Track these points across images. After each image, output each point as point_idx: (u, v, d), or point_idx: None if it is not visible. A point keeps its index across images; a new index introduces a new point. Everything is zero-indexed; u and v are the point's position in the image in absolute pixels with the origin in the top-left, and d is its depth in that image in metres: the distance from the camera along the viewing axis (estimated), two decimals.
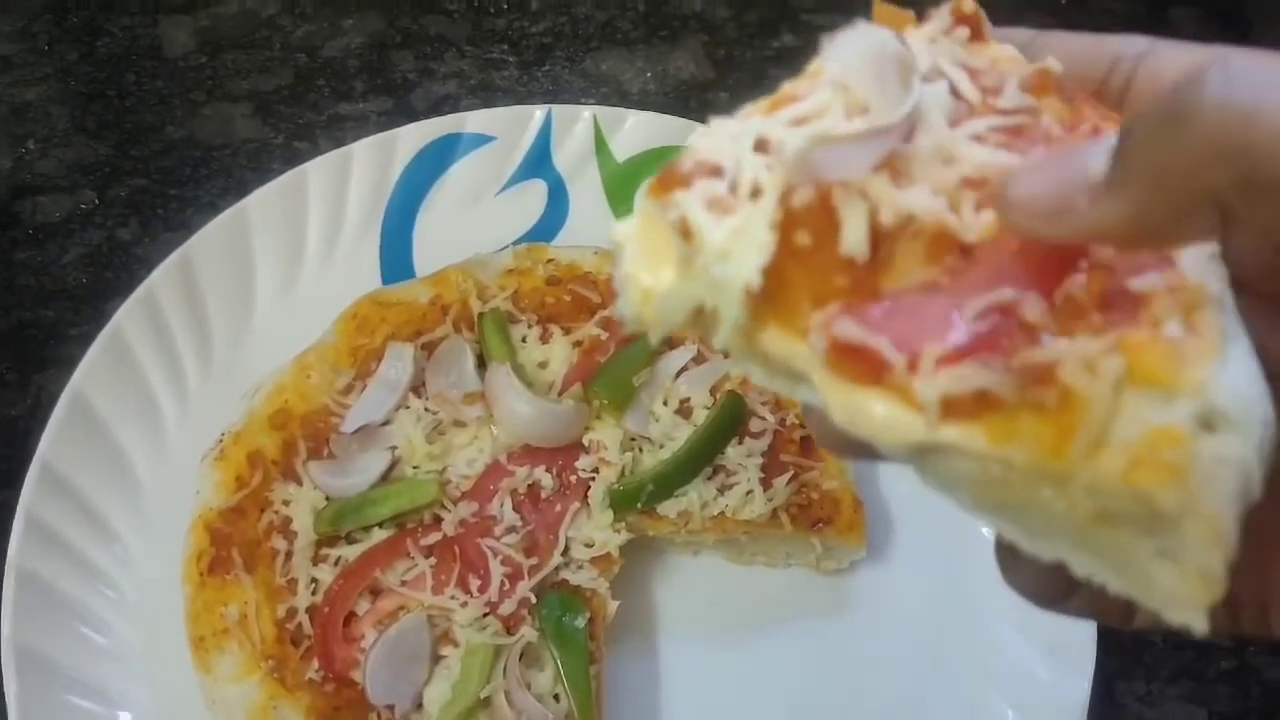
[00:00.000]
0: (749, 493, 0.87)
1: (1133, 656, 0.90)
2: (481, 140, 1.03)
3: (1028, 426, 0.35)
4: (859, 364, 0.37)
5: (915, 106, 0.39)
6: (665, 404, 0.89)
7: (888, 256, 0.38)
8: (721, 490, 0.87)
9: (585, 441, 0.88)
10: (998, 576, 0.89)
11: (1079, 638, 0.84)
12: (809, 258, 0.38)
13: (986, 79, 0.41)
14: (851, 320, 0.37)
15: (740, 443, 0.88)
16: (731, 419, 0.89)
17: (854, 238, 0.38)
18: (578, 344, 0.92)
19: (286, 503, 0.85)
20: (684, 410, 0.90)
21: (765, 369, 0.40)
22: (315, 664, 0.80)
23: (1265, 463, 0.36)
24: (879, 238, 0.38)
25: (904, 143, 0.39)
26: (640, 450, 0.89)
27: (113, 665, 0.83)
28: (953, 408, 0.36)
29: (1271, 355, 0.40)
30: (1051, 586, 0.42)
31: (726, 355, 0.41)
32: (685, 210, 0.38)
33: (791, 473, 0.88)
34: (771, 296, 0.38)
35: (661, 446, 0.88)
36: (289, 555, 0.83)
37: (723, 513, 0.87)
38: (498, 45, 1.15)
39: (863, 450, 0.40)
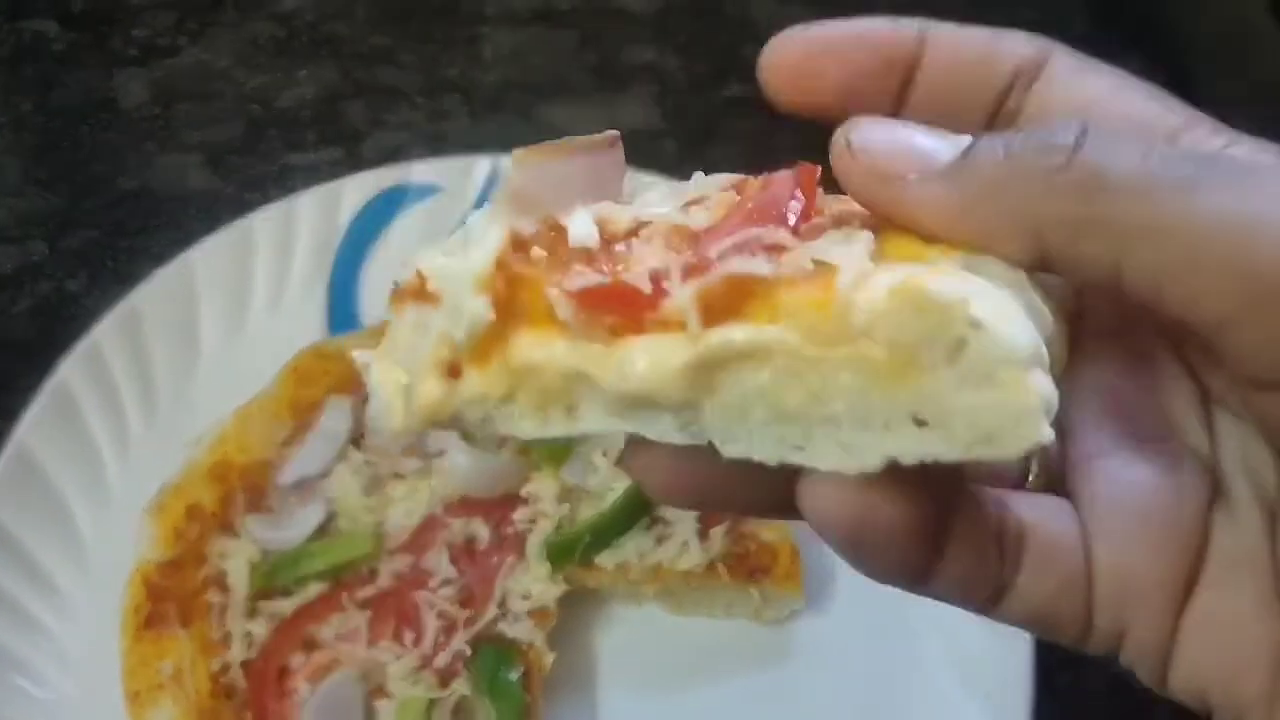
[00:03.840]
0: (685, 543, 0.87)
1: (1071, 705, 0.90)
2: (428, 190, 1.04)
3: (789, 296, 0.34)
4: (612, 313, 0.36)
5: (619, 143, 0.40)
6: (604, 455, 0.90)
7: (625, 252, 0.37)
8: (659, 541, 0.88)
9: (523, 493, 0.88)
10: (934, 622, 0.89)
11: (1015, 687, 0.85)
12: (546, 264, 0.37)
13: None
14: (590, 272, 0.36)
15: None
16: None
17: (581, 228, 0.37)
18: None
19: (223, 556, 0.85)
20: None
21: (536, 399, 0.38)
22: (249, 719, 0.81)
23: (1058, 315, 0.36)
24: (611, 239, 0.38)
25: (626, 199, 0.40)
26: (579, 501, 0.89)
27: (49, 719, 0.83)
28: (712, 312, 0.35)
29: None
30: (912, 559, 0.39)
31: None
32: (420, 263, 0.38)
33: (728, 523, 0.88)
34: (519, 308, 0.37)
35: (600, 498, 0.89)
36: (224, 609, 0.84)
37: (660, 563, 0.88)
38: (449, 95, 1.17)
39: (691, 484, 0.39)
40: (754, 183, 0.40)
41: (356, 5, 1.22)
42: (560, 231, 0.38)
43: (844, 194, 0.39)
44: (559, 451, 0.89)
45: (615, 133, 0.40)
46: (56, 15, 1.18)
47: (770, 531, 0.89)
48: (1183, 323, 0.35)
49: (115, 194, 1.09)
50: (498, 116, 1.16)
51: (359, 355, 0.41)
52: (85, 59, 1.17)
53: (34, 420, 0.90)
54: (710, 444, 0.37)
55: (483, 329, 0.37)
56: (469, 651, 0.82)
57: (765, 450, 0.36)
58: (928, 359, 0.33)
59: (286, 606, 0.84)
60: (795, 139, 1.24)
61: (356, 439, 0.90)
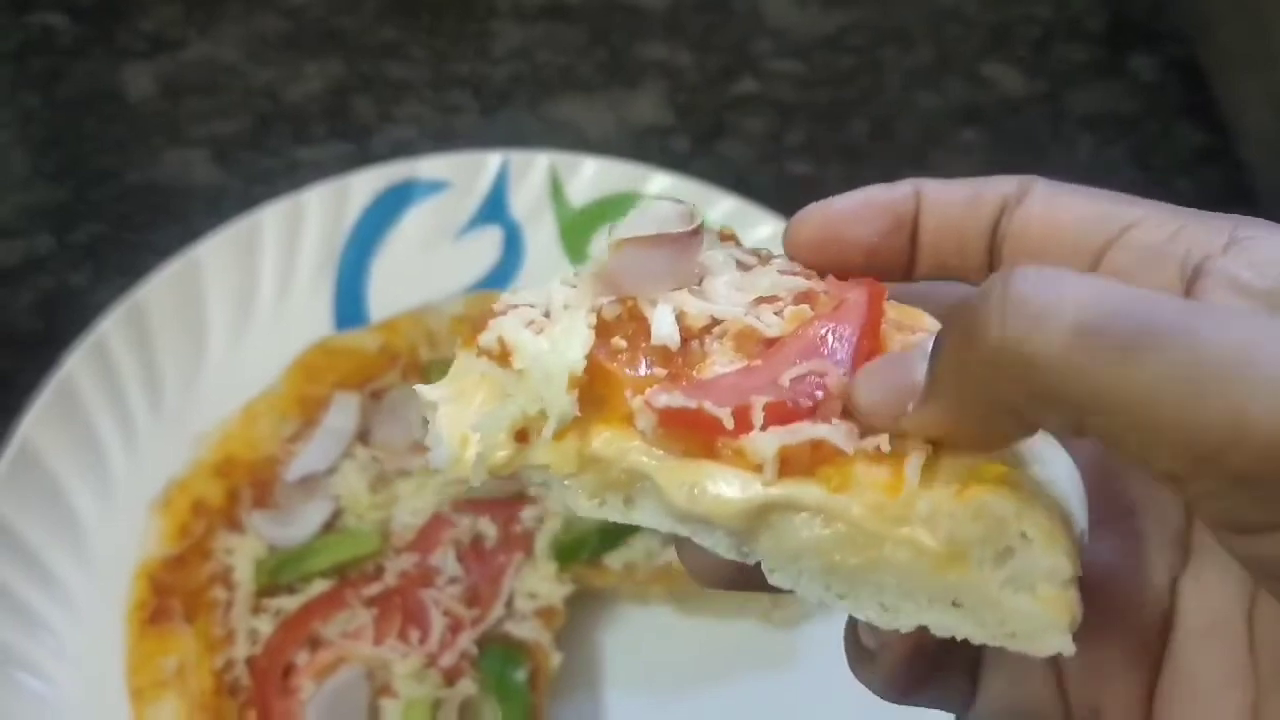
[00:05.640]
0: None
1: None
2: (436, 186, 1.03)
3: (862, 471, 0.37)
4: (689, 435, 0.38)
5: (701, 228, 0.42)
6: None
7: (700, 352, 0.40)
8: (667, 541, 0.87)
9: (532, 492, 0.88)
10: None
11: None
12: (626, 357, 0.39)
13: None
14: (674, 391, 0.38)
15: None
16: None
17: (664, 328, 0.40)
18: None
19: (229, 552, 0.85)
20: None
21: (599, 483, 0.40)
22: (253, 717, 0.80)
23: (1082, 507, 0.39)
24: (689, 336, 0.40)
25: (698, 285, 0.42)
26: None
27: (51, 714, 0.82)
28: (788, 464, 0.37)
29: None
30: (901, 680, 0.42)
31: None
32: (502, 331, 0.40)
33: None
34: (596, 398, 0.39)
35: None
36: (229, 606, 0.83)
37: (669, 564, 0.87)
38: (458, 90, 1.16)
39: (735, 577, 0.41)
40: (825, 299, 0.42)
41: None
42: (642, 322, 0.40)
43: (906, 305, 0.42)
44: None
45: (699, 218, 0.43)
46: (64, 8, 1.17)
47: None
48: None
49: (122, 188, 1.09)
50: (507, 112, 1.15)
51: (425, 391, 0.42)
52: (92, 52, 1.16)
53: (38, 415, 0.89)
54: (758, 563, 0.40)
55: (569, 422, 0.39)
56: (475, 651, 0.82)
57: (810, 590, 0.39)
58: (977, 557, 0.37)
59: (292, 603, 0.83)
60: (804, 137, 1.24)
61: (363, 435, 0.89)
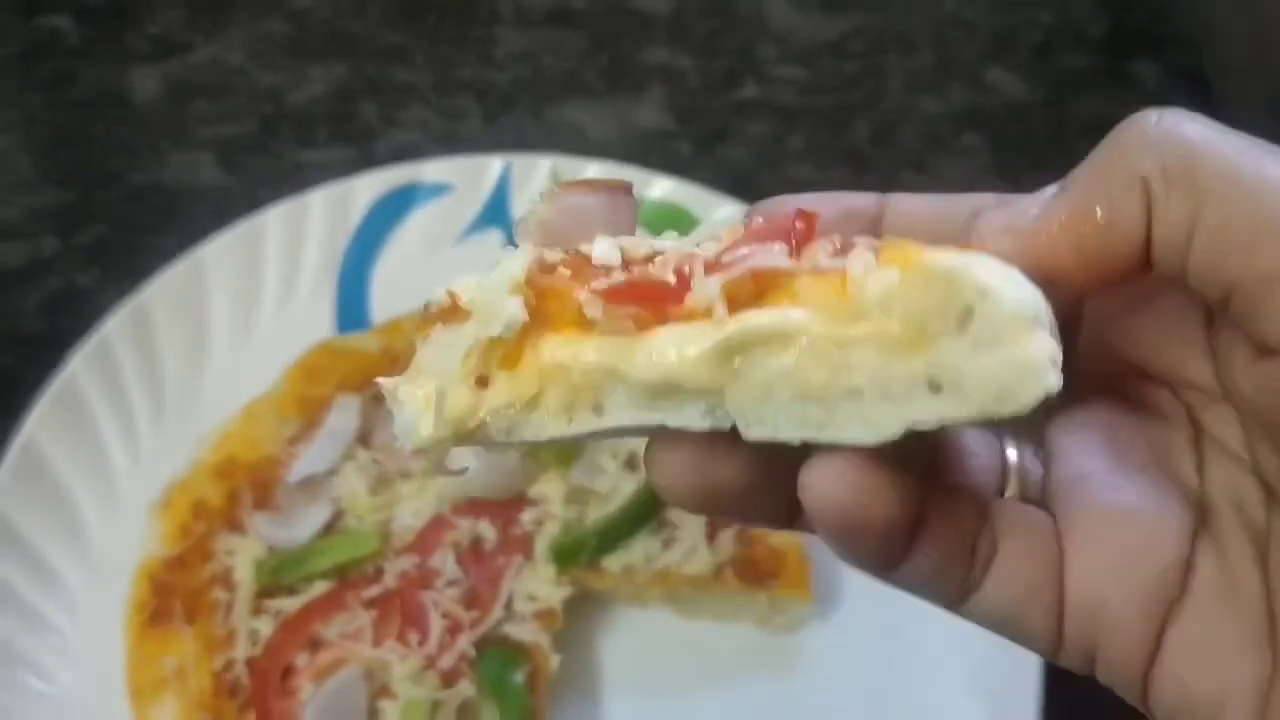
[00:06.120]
0: (693, 547, 0.87)
1: (1079, 711, 0.89)
2: (440, 190, 1.04)
3: (808, 285, 0.37)
4: (639, 305, 0.38)
5: (632, 186, 0.43)
6: (613, 457, 0.89)
7: (643, 272, 0.40)
8: (666, 544, 0.88)
9: (531, 494, 0.88)
10: (943, 632, 0.89)
11: (1024, 700, 0.84)
12: (570, 281, 0.40)
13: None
14: (616, 274, 0.39)
15: None
16: None
17: (604, 250, 0.40)
18: None
19: (229, 553, 0.85)
20: (631, 463, 0.90)
21: (564, 398, 0.40)
22: (252, 717, 0.80)
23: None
24: (631, 263, 0.40)
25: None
26: (587, 503, 0.89)
27: (53, 713, 0.83)
28: (735, 302, 0.37)
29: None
30: (888, 548, 0.40)
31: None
32: (451, 286, 0.40)
33: (737, 528, 0.88)
34: (545, 314, 0.39)
35: (608, 500, 0.88)
36: (229, 607, 0.84)
37: (668, 567, 0.87)
38: (462, 94, 1.16)
39: (708, 490, 0.41)
40: (759, 221, 0.42)
41: (369, 3, 1.22)
42: (584, 257, 0.40)
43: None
44: (567, 453, 0.89)
45: (630, 181, 0.44)
46: (71, 11, 1.18)
47: (779, 535, 0.89)
48: (1229, 287, 0.37)
49: (127, 189, 1.09)
50: (510, 116, 1.16)
51: (384, 382, 0.42)
52: (99, 55, 1.17)
53: (42, 415, 0.90)
54: (733, 431, 0.39)
55: (517, 329, 0.39)
56: (474, 653, 0.82)
57: (789, 430, 0.38)
58: (940, 328, 0.35)
59: (292, 605, 0.83)
60: (806, 142, 1.24)
61: (364, 437, 0.90)
